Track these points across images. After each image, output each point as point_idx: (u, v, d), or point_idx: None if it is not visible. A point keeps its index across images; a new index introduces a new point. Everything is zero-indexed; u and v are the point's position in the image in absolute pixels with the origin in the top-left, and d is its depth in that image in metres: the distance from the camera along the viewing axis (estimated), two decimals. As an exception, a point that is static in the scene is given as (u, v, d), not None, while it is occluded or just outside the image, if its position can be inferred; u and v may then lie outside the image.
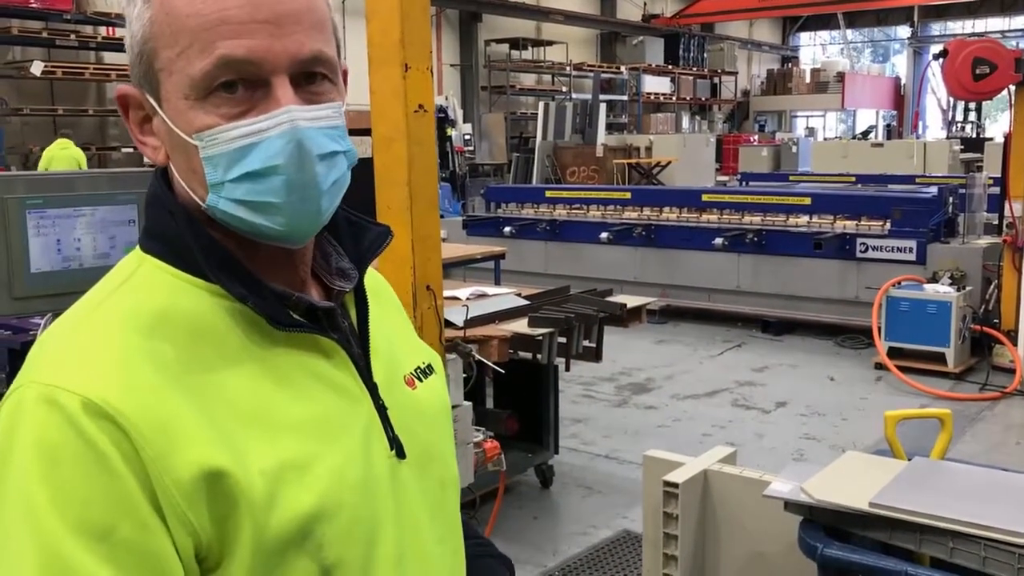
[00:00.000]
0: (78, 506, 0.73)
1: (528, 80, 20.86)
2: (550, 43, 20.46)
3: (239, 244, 0.87)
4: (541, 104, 14.43)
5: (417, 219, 2.12)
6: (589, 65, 20.80)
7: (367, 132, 2.25)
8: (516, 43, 19.65)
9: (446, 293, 3.68)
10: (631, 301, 4.48)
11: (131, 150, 13.13)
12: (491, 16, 19.79)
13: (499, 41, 19.59)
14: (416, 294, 2.18)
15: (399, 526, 0.89)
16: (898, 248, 7.24)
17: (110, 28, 12.89)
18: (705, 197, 8.56)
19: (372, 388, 0.91)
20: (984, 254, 6.93)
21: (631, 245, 8.53)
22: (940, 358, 6.52)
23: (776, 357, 7.23)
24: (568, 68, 20.12)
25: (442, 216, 8.85)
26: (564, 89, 20.13)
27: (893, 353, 6.62)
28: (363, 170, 2.34)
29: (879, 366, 6.64)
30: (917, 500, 1.63)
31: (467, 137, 16.14)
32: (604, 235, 8.53)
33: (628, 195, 9.01)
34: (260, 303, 0.84)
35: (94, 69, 12.87)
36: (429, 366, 1.03)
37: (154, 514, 0.75)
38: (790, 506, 1.78)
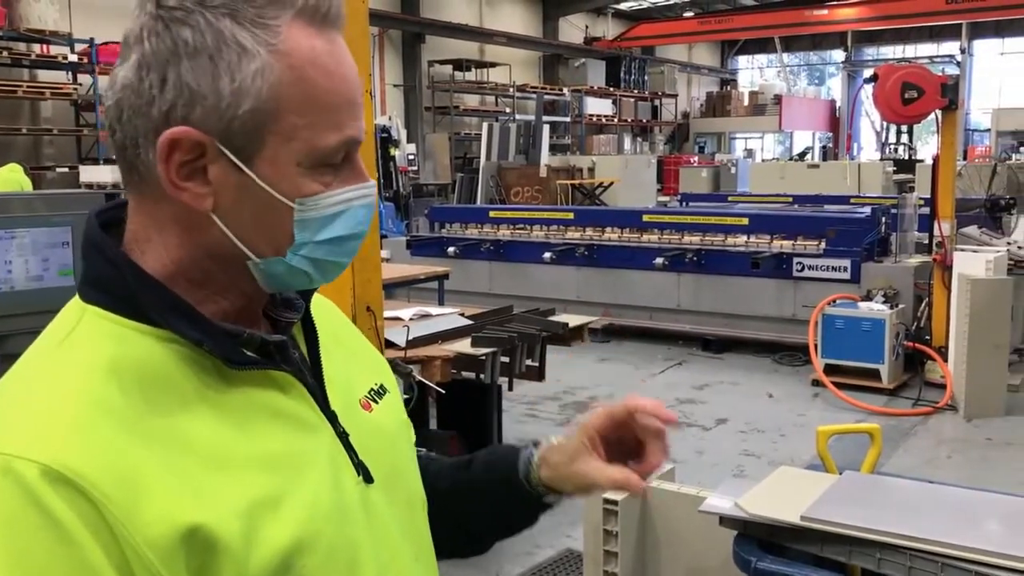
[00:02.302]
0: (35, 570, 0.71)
1: (472, 101, 20.97)
2: (493, 64, 20.60)
3: (191, 287, 0.86)
4: (485, 125, 14.50)
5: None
6: (532, 86, 20.98)
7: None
8: (459, 64, 19.75)
9: (389, 313, 3.67)
10: (573, 320, 4.52)
11: (66, 170, 12.86)
12: (434, 37, 19.88)
13: (442, 62, 19.67)
14: (356, 315, 2.17)
15: (376, 549, 0.91)
16: (833, 267, 7.43)
17: (44, 46, 12.63)
18: (646, 217, 8.69)
19: (331, 416, 0.92)
20: (916, 272, 7.14)
21: (574, 265, 8.60)
22: (875, 374, 6.68)
23: (716, 375, 7.34)
24: (511, 89, 20.27)
25: (385, 236, 8.86)
26: (508, 110, 20.26)
27: (829, 370, 6.76)
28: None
29: (816, 383, 6.78)
30: (847, 513, 1.68)
31: (411, 157, 16.13)
32: (547, 255, 8.58)
33: (571, 215, 9.10)
34: (214, 344, 0.84)
35: (27, 87, 12.59)
36: (382, 386, 1.04)
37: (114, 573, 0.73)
38: (725, 521, 1.81)
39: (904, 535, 1.59)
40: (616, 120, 23.94)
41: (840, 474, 1.95)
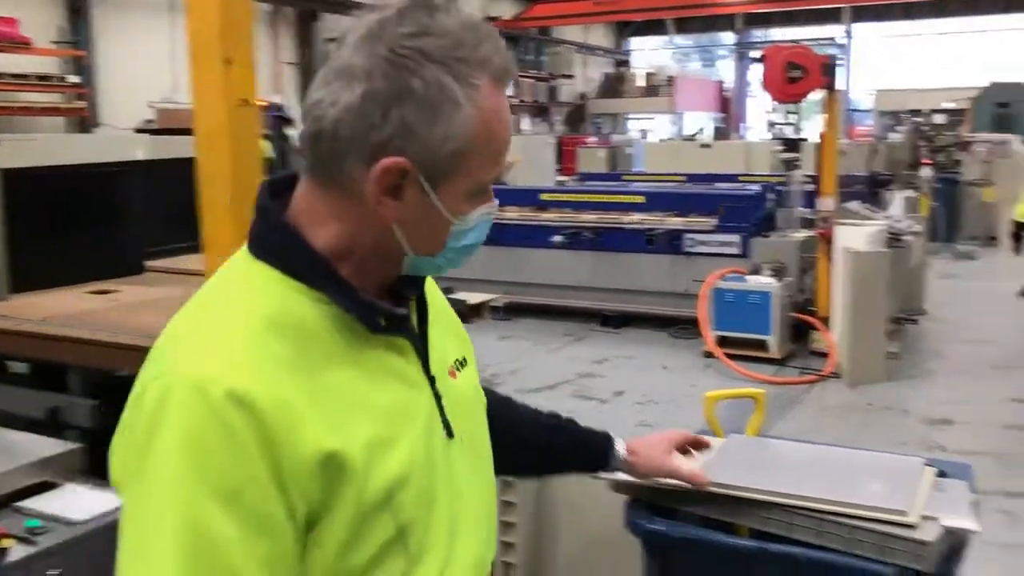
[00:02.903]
0: (215, 476, 0.90)
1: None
2: (389, 43, 20.25)
3: (347, 264, 1.05)
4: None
5: (243, 216, 2.06)
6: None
7: (189, 132, 2.17)
8: (355, 42, 19.35)
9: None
10: (473, 298, 4.53)
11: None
12: (330, 15, 19.46)
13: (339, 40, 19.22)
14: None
15: (450, 494, 1.10)
16: (723, 243, 7.64)
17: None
18: (544, 196, 8.75)
19: (431, 380, 1.11)
20: (801, 247, 7.40)
21: (473, 243, 8.58)
22: (763, 345, 6.92)
23: (614, 349, 7.48)
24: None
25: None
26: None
27: (721, 342, 6.97)
28: (187, 169, 2.26)
29: (708, 355, 6.98)
30: (732, 474, 1.73)
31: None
32: (446, 234, 8.53)
33: (469, 194, 9.08)
34: (359, 312, 1.03)
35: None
36: (464, 358, 1.24)
37: (275, 487, 0.92)
38: (619, 487, 1.85)
39: (786, 494, 1.65)
40: (515, 101, 23.97)
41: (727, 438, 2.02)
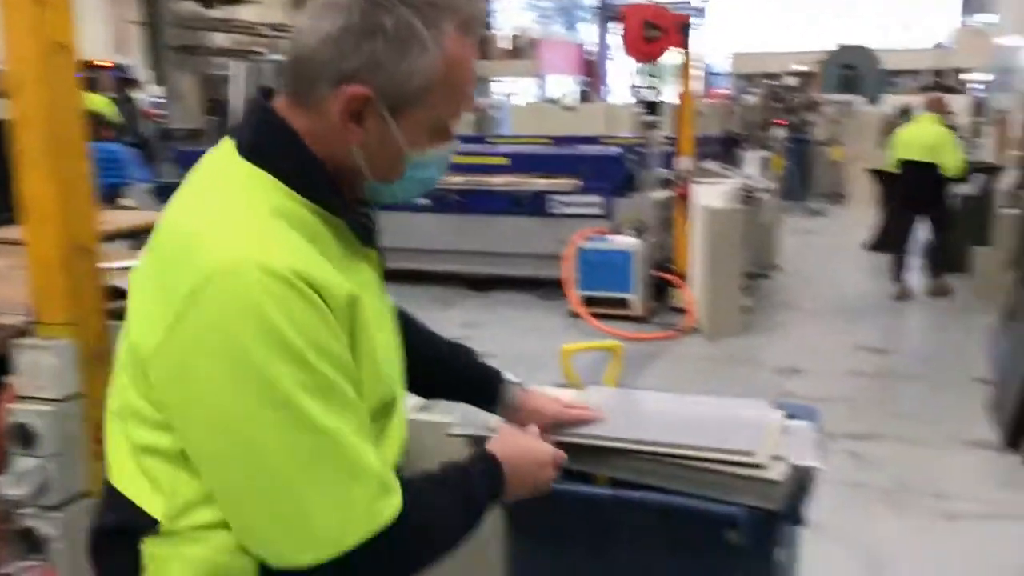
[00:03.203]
0: (310, 332, 1.04)
1: (223, 41, 19.77)
2: (242, 0, 19.46)
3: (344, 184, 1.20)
4: (233, 64, 13.72)
5: (61, 167, 1.88)
6: (289, 26, 20.09)
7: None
8: (206, 1, 18.50)
9: (131, 263, 3.36)
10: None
11: None
12: (178, -28, 18.46)
13: (187, -2, 18.32)
14: (67, 256, 1.94)
15: (388, 340, 1.29)
16: (587, 203, 7.70)
17: None
18: (408, 158, 8.58)
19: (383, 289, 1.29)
20: (661, 206, 7.55)
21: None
22: (626, 303, 7.05)
23: (483, 313, 7.46)
24: (264, 28, 19.28)
25: (127, 183, 8.20)
26: (262, 50, 19.28)
27: (586, 301, 7.06)
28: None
29: (574, 315, 7.05)
30: (588, 425, 1.72)
31: (158, 100, 15.02)
32: (307, 199, 8.29)
33: (331, 158, 8.84)
34: (356, 226, 1.19)
35: None
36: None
37: (343, 339, 1.09)
38: (476, 442, 1.81)
39: (638, 440, 1.65)
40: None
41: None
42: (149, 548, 1.10)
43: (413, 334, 1.51)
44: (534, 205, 7.85)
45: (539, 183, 7.93)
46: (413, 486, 1.16)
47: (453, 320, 7.19)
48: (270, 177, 1.13)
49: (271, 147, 1.15)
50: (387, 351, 1.24)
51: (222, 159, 1.17)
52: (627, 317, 6.99)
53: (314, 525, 1.04)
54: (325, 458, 1.04)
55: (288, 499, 1.03)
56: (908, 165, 7.73)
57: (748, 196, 7.40)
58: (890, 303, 7.84)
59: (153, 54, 17.84)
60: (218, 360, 1.02)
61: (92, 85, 10.28)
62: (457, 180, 8.16)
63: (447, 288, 8.26)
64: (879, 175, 10.19)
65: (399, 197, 1.24)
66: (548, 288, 7.86)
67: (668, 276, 7.28)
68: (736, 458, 1.59)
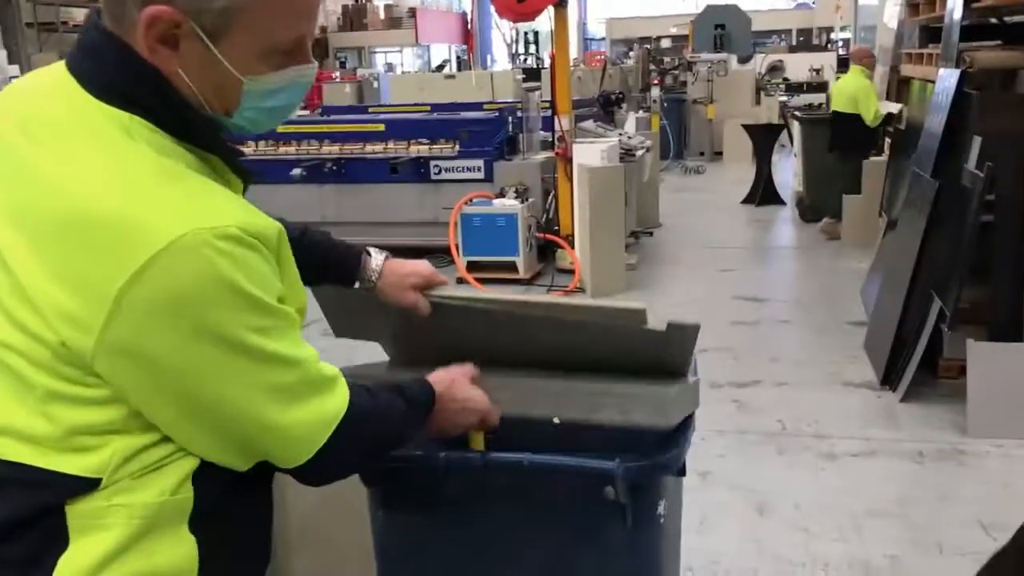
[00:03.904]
0: (265, 282, 1.06)
1: (83, 16, 18.69)
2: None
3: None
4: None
5: None
6: None
7: None
8: (61, -27, 17.42)
9: None
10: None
11: None
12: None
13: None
14: None
15: None
16: (468, 168, 7.60)
17: None
18: (281, 128, 8.26)
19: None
20: (542, 168, 7.50)
21: (207, 184, 8.02)
22: (513, 266, 6.99)
23: (365, 284, 7.26)
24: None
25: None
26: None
27: (472, 267, 6.97)
28: None
29: (461, 280, 6.95)
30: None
31: (13, 79, 14.08)
32: (175, 175, 7.91)
33: (198, 132, 8.44)
34: (236, 161, 1.15)
35: None
36: None
37: (278, 271, 1.11)
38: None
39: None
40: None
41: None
42: (79, 507, 1.04)
43: None
44: (415, 172, 7.70)
45: (417, 149, 7.76)
46: (352, 384, 1.23)
47: (336, 293, 6.98)
48: (143, 121, 1.05)
49: (136, 86, 1.06)
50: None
51: (74, 104, 1.06)
52: (514, 280, 6.94)
53: (299, 436, 1.14)
54: (298, 385, 1.12)
55: (275, 428, 1.11)
56: (835, 114, 8.06)
57: (627, 154, 7.42)
58: (765, 255, 8.02)
59: (9, 32, 16.72)
60: (185, 337, 1.01)
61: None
62: (333, 149, 7.93)
63: (329, 261, 8.02)
64: (752, 130, 10.43)
65: (246, 129, 1.16)
66: (434, 255, 7.72)
67: (552, 237, 7.26)
68: (624, 306, 1.58)
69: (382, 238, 7.88)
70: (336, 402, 1.17)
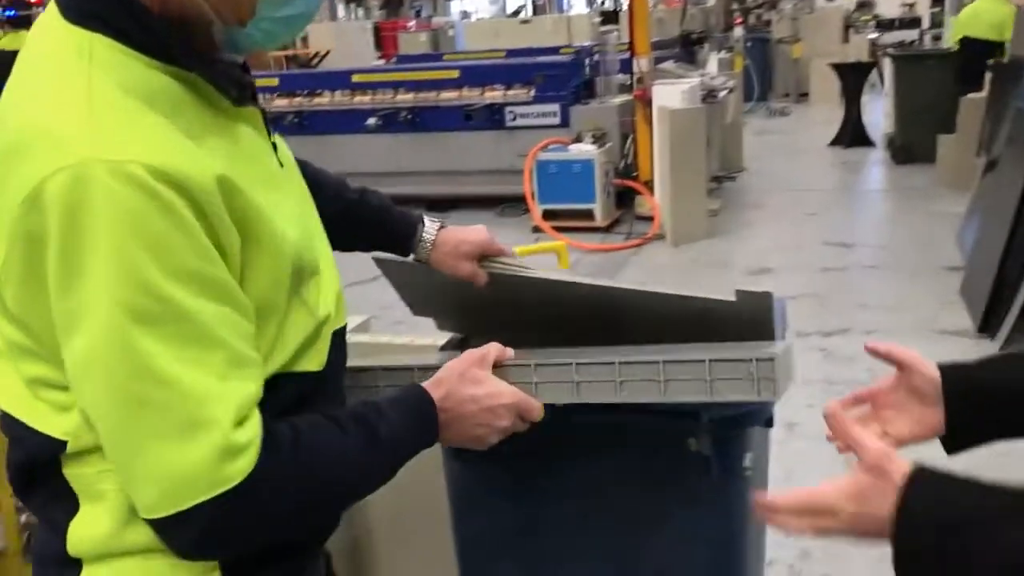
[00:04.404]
0: (167, 256, 0.85)
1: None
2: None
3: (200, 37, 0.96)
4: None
5: None
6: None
7: None
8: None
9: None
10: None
11: None
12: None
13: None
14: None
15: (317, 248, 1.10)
16: (543, 113, 7.45)
17: None
18: (356, 78, 8.25)
19: (274, 147, 1.08)
20: (620, 111, 7.31)
21: (284, 134, 8.02)
22: (589, 214, 6.86)
23: (442, 233, 7.24)
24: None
25: None
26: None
27: (548, 215, 6.86)
28: None
29: (536, 229, 6.86)
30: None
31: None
32: (253, 127, 7.98)
33: (275, 81, 8.46)
34: (225, 82, 0.97)
35: None
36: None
37: (215, 250, 0.89)
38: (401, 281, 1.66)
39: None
40: (325, -14, 22.66)
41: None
42: (74, 471, 0.96)
43: (317, 187, 1.31)
44: (489, 119, 7.58)
45: (492, 95, 7.64)
46: (294, 430, 0.97)
47: (412, 243, 6.98)
48: (108, 40, 0.91)
49: (102, 8, 0.92)
50: (287, 211, 1.02)
51: (46, 27, 0.95)
52: (591, 228, 6.81)
53: (145, 479, 0.89)
54: (165, 416, 0.87)
55: (121, 449, 0.90)
56: (966, 44, 7.65)
57: (709, 95, 7.17)
58: (854, 198, 7.71)
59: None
60: (55, 289, 0.85)
61: None
62: (407, 98, 7.86)
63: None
64: (840, 69, 9.99)
65: (264, 44, 1.03)
66: (509, 204, 7.65)
67: (631, 183, 7.09)
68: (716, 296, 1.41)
69: (456, 187, 7.88)
70: (220, 469, 0.88)
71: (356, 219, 1.44)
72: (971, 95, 7.32)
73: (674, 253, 6.31)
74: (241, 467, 0.90)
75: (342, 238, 1.40)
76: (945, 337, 4.51)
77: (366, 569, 2.21)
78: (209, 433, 0.88)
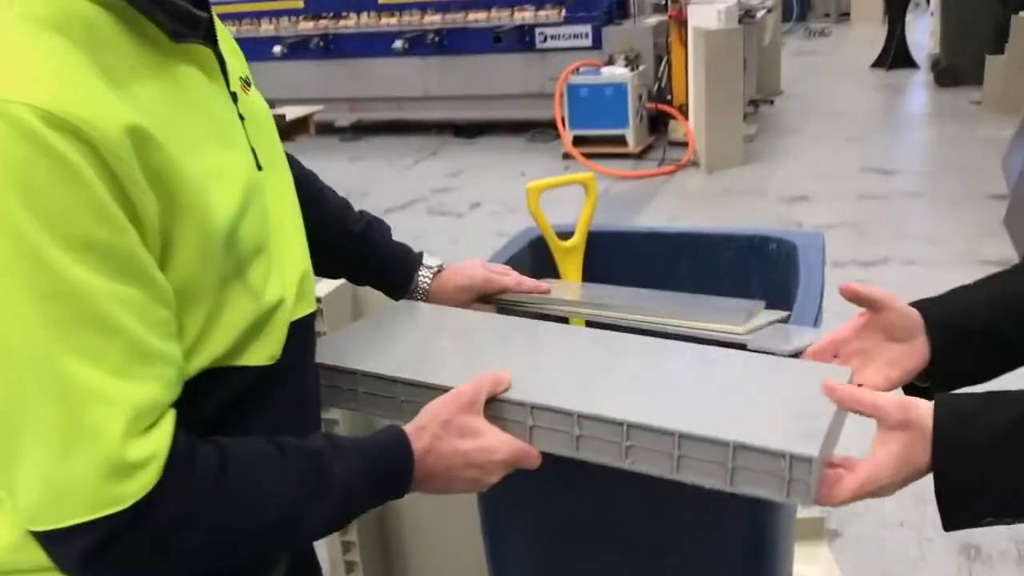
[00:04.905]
0: (59, 220, 0.71)
1: None
2: None
3: None
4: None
5: None
6: None
7: None
8: None
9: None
10: (292, 112, 4.06)
11: None
12: None
13: None
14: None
15: (277, 226, 0.94)
16: (574, 35, 7.23)
17: None
18: (382, 0, 8.05)
19: (233, 98, 0.92)
20: (654, 32, 7.08)
21: (310, 59, 7.93)
22: (622, 140, 6.70)
23: (469, 160, 7.13)
24: None
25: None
26: None
27: (579, 141, 6.71)
28: None
29: (567, 156, 6.72)
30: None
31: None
32: (278, 49, 7.86)
33: (300, 3, 8.28)
34: (163, 15, 0.82)
35: None
36: (248, 78, 1.02)
37: (125, 216, 0.74)
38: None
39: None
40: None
41: (555, 232, 1.75)
42: None
43: (319, 210, 1.23)
44: (519, 41, 7.38)
45: (522, 15, 7.42)
46: (221, 454, 0.82)
47: (438, 171, 6.88)
48: None
49: None
50: (235, 174, 0.86)
51: None
52: (623, 155, 6.66)
53: (26, 484, 0.74)
54: (40, 407, 0.73)
55: (7, 449, 0.74)
56: None
57: (747, 15, 6.91)
58: (896, 123, 7.46)
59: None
60: None
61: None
62: (434, 19, 7.67)
63: (431, 137, 7.90)
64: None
65: None
66: (539, 130, 7.50)
67: (665, 107, 6.89)
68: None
69: (485, 112, 7.72)
70: (106, 488, 0.74)
71: (354, 255, 1.33)
72: (1022, 13, 6.99)
73: (708, 180, 6.16)
74: (132, 489, 0.74)
75: (333, 268, 1.34)
76: (987, 267, 4.34)
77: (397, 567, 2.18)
78: (93, 445, 0.72)
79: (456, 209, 5.88)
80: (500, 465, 0.97)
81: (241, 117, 0.93)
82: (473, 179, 6.59)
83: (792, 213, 5.35)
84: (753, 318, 1.32)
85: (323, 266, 1.27)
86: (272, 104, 4.34)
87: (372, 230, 1.33)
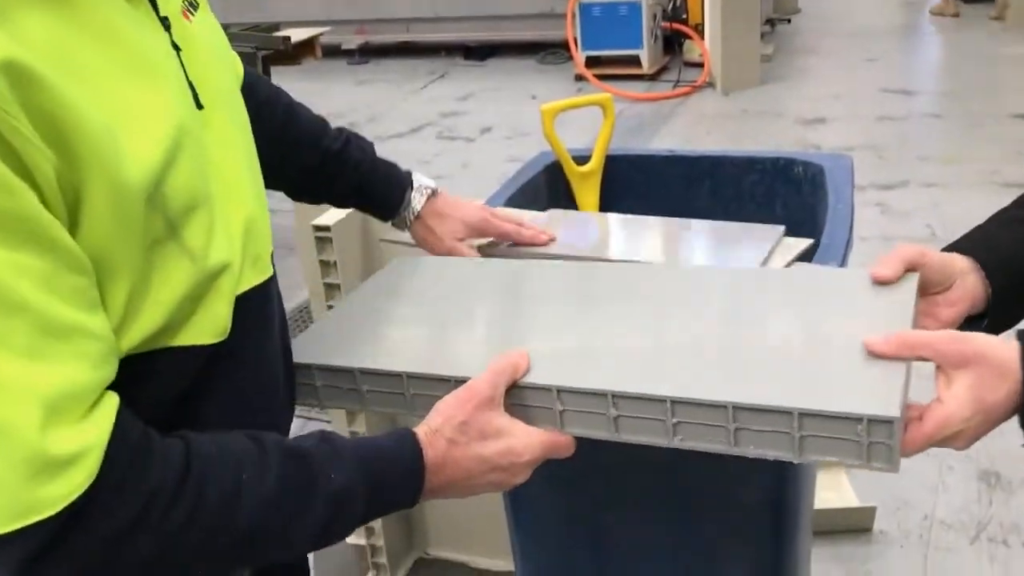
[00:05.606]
0: None
1: None
2: None
3: None
4: None
5: None
6: None
7: None
8: None
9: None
10: (298, 34, 3.95)
11: None
12: None
13: None
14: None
15: (217, 171, 0.80)
16: (587, -50, 7.01)
17: None
18: (388, -83, 7.80)
19: (165, 24, 0.79)
20: (668, -52, 6.85)
21: (315, -19, 7.72)
22: (635, 61, 6.55)
23: (479, 83, 6.99)
24: None
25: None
26: None
27: (591, 63, 6.56)
28: None
29: (579, 78, 6.57)
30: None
31: None
32: (282, -29, 7.64)
33: (304, -77, 8.04)
34: None
35: None
36: (196, 1, 0.88)
37: (11, 172, 0.61)
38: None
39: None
40: None
41: (571, 157, 1.69)
42: None
43: (284, 129, 1.15)
44: (529, -42, 7.16)
45: (532, -68, 7.19)
46: (185, 451, 0.72)
47: (447, 94, 6.75)
48: None
49: None
50: (158, 114, 0.73)
51: None
52: (637, 76, 6.51)
53: None
54: None
55: None
56: None
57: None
58: (917, 41, 7.26)
59: None
60: None
61: None
62: (442, -63, 7.43)
63: (440, 59, 7.74)
64: None
65: None
66: (550, 51, 7.33)
67: (680, 27, 6.71)
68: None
69: (494, 33, 7.54)
70: (28, 490, 0.62)
71: (333, 175, 1.21)
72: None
73: (724, 102, 6.02)
74: (62, 491, 0.63)
75: (314, 190, 1.24)
76: (1010, 190, 4.27)
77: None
78: (5, 443, 0.61)
79: (466, 133, 5.78)
80: (528, 465, 0.87)
81: (176, 47, 0.79)
82: (483, 103, 6.47)
83: (810, 135, 5.24)
84: (775, 252, 1.25)
85: (302, 191, 1.24)
86: (277, 26, 4.20)
87: (351, 146, 1.21)
